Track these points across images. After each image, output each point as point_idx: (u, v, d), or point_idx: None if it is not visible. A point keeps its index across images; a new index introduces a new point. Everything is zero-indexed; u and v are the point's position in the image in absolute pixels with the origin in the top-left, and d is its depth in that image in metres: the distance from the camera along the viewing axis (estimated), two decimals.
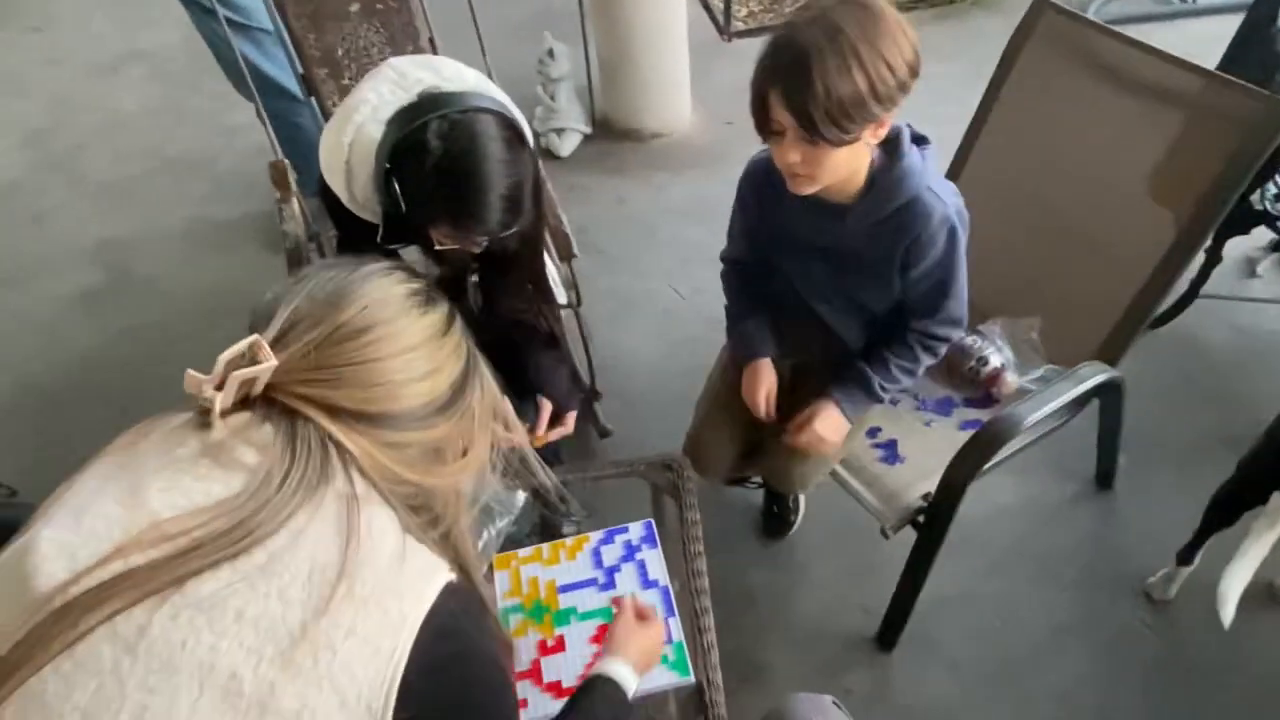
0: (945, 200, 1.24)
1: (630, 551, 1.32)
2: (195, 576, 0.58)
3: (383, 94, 1.25)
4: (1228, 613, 1.35)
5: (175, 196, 3.05)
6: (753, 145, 1.28)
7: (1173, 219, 1.49)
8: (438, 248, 1.26)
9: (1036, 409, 1.37)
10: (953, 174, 1.82)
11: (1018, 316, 1.65)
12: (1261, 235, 2.23)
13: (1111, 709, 1.61)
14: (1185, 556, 1.65)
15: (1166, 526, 1.71)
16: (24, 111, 3.53)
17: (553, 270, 1.66)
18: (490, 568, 1.30)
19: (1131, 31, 1.57)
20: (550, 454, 1.73)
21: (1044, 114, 1.69)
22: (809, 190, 1.21)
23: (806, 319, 1.53)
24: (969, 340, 1.63)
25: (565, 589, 1.27)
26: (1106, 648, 1.69)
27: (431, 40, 2.04)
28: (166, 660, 0.56)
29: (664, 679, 1.15)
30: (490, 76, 1.39)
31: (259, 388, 0.67)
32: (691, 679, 1.16)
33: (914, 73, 1.11)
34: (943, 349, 1.42)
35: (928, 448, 1.54)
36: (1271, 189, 1.98)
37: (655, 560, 1.30)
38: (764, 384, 1.49)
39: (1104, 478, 1.93)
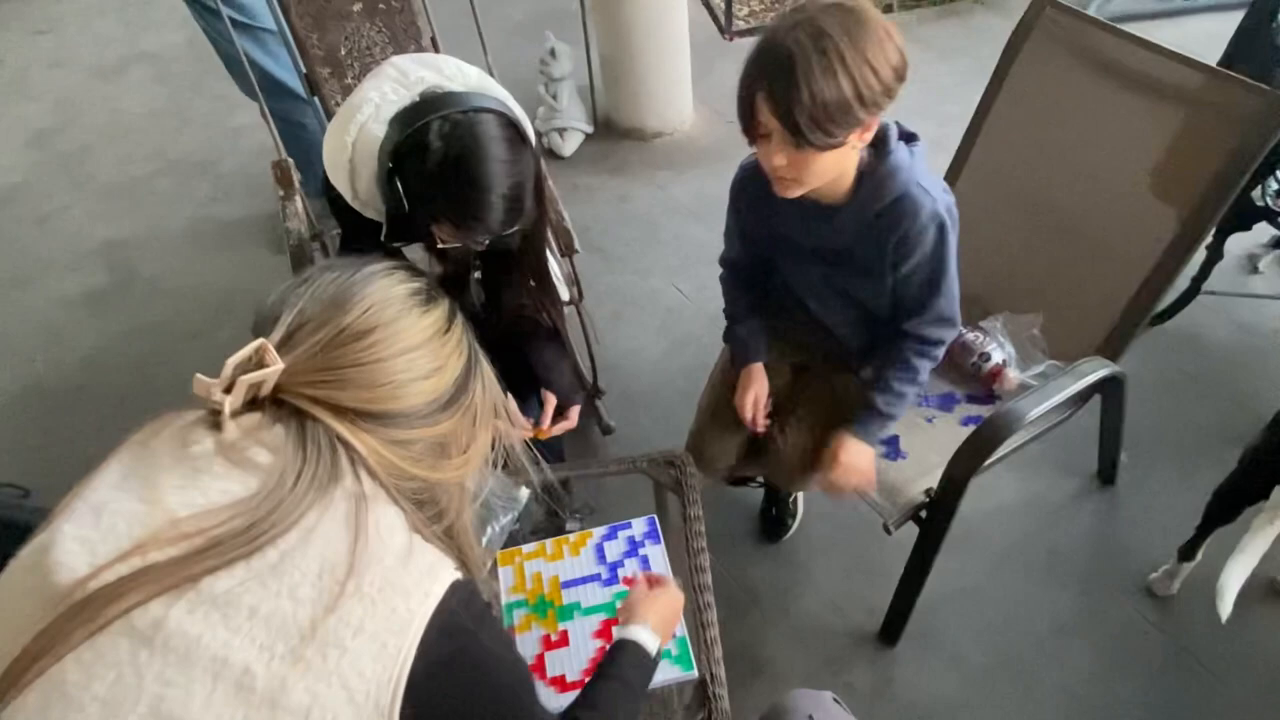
0: (934, 196, 1.25)
1: (633, 547, 1.32)
2: (211, 574, 0.60)
3: (385, 93, 1.25)
4: (1226, 606, 1.35)
5: (179, 197, 3.07)
6: None
7: (1174, 215, 1.50)
8: (440, 246, 1.27)
9: (1038, 404, 1.37)
10: (954, 171, 1.83)
11: (1020, 312, 1.66)
12: (1263, 232, 2.23)
13: (1114, 704, 1.61)
14: (1187, 552, 1.65)
15: (1168, 522, 1.71)
16: (30, 113, 3.55)
17: (554, 266, 1.67)
18: (494, 563, 1.31)
19: (1132, 28, 1.57)
20: (553, 452, 1.74)
21: (1045, 110, 1.69)
22: (795, 193, 1.22)
23: (804, 319, 1.54)
24: (971, 336, 1.63)
25: (569, 584, 1.28)
26: (1109, 643, 1.69)
27: (434, 39, 2.05)
28: (183, 654, 0.58)
29: (667, 674, 1.15)
30: (491, 76, 1.40)
31: (267, 389, 0.68)
32: (694, 674, 1.17)
33: (899, 77, 1.11)
34: (939, 352, 1.41)
35: (930, 443, 1.54)
36: (1273, 185, 1.98)
37: (658, 556, 1.31)
38: (752, 390, 1.51)
39: (1106, 474, 1.93)
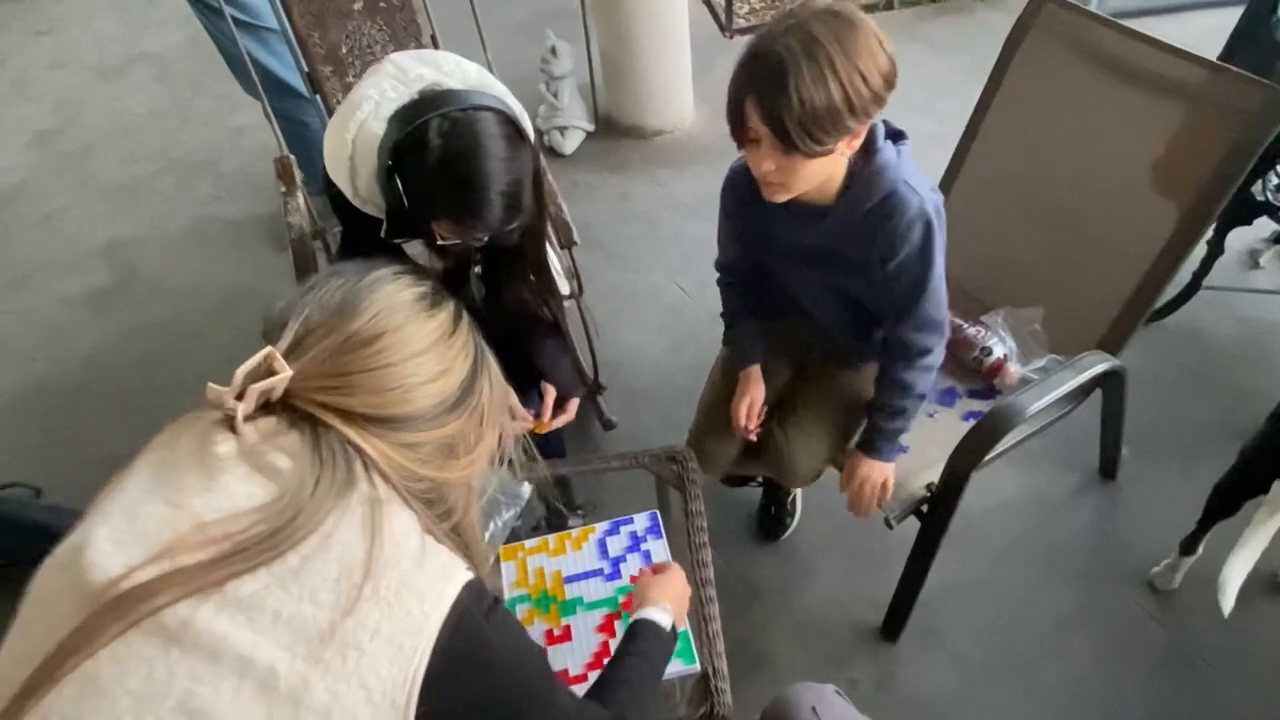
0: (922, 195, 1.24)
1: (636, 542, 1.33)
2: (236, 578, 0.62)
3: (384, 90, 1.26)
4: (1227, 601, 1.35)
5: (181, 197, 3.07)
6: None
7: (1174, 209, 1.50)
8: (440, 242, 1.28)
9: (1039, 397, 1.37)
10: (954, 166, 1.83)
11: (1020, 307, 1.66)
12: (1264, 227, 2.23)
13: (1116, 699, 1.61)
14: (1189, 546, 1.65)
15: (1170, 517, 1.71)
16: (31, 113, 3.55)
17: (554, 260, 1.67)
18: (497, 559, 1.31)
19: (1132, 24, 1.57)
20: (554, 448, 1.74)
21: (1045, 105, 1.69)
22: (783, 198, 1.22)
23: (802, 318, 1.54)
24: (972, 331, 1.64)
25: (571, 579, 1.29)
26: (1111, 638, 1.69)
27: (434, 38, 2.06)
28: (210, 653, 0.60)
29: (670, 667, 1.15)
30: (491, 73, 1.40)
31: (277, 395, 0.70)
32: (697, 667, 1.17)
33: (889, 85, 1.11)
34: (930, 360, 1.38)
35: (931, 438, 1.54)
36: (1273, 180, 1.99)
37: (660, 551, 1.31)
38: (748, 396, 1.51)
39: (1107, 469, 1.94)
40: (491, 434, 0.84)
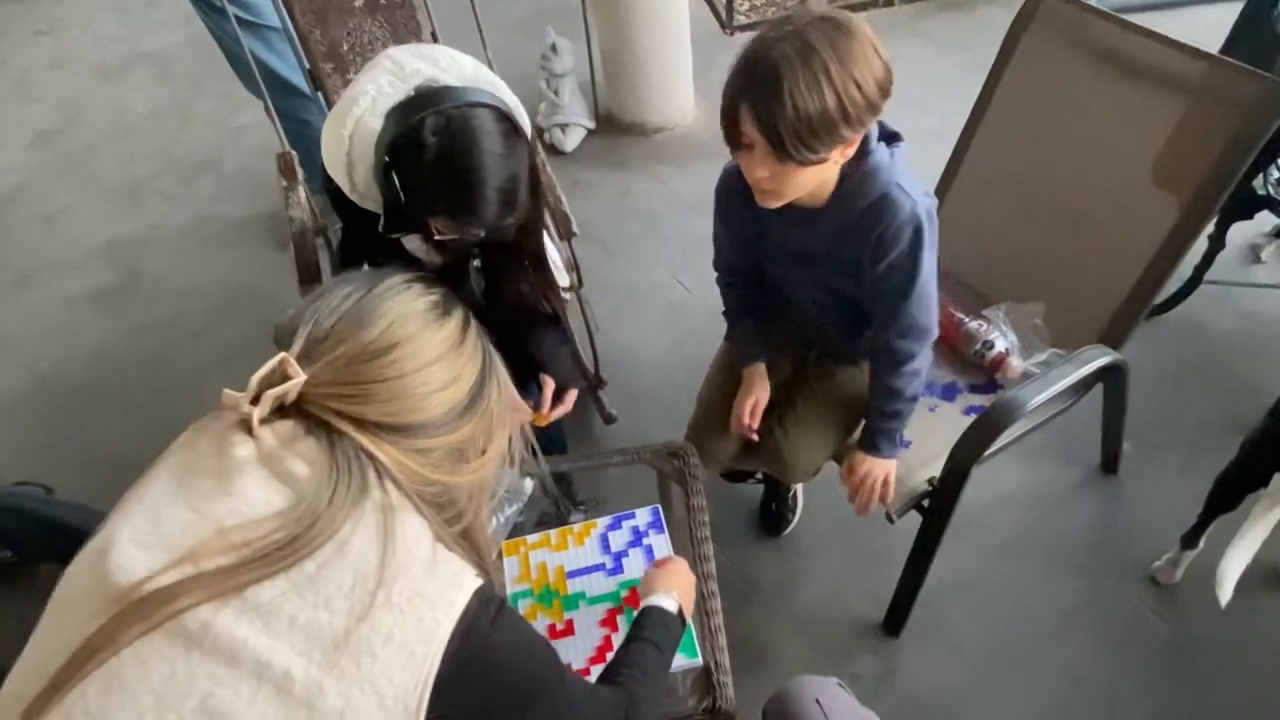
0: (915, 198, 1.23)
1: (637, 537, 1.33)
2: (255, 584, 0.64)
3: (381, 86, 1.26)
4: (1225, 593, 1.35)
5: (182, 196, 3.08)
6: None
7: (1175, 203, 1.50)
8: (438, 237, 1.28)
9: (1040, 391, 1.37)
10: (955, 162, 1.83)
11: (1022, 302, 1.66)
12: (1265, 221, 2.23)
13: (1118, 692, 1.61)
14: (1190, 540, 1.65)
15: (1171, 511, 1.71)
16: (32, 114, 3.56)
17: (553, 252, 1.67)
18: (499, 554, 1.31)
19: (1132, 19, 1.57)
20: (556, 444, 1.75)
21: (1045, 99, 1.69)
22: (775, 204, 1.22)
23: (798, 317, 1.54)
24: (974, 325, 1.64)
25: (574, 574, 1.29)
26: (1112, 632, 1.69)
27: (434, 35, 2.06)
28: (230, 656, 0.62)
29: (673, 661, 1.16)
30: (491, 70, 1.40)
31: (290, 399, 0.71)
32: (699, 661, 1.18)
33: (884, 93, 1.11)
34: (917, 364, 1.37)
35: (932, 432, 1.54)
36: (1274, 173, 1.98)
37: (662, 545, 1.31)
38: (753, 396, 1.51)
39: (1109, 463, 1.94)
40: (501, 437, 0.85)
